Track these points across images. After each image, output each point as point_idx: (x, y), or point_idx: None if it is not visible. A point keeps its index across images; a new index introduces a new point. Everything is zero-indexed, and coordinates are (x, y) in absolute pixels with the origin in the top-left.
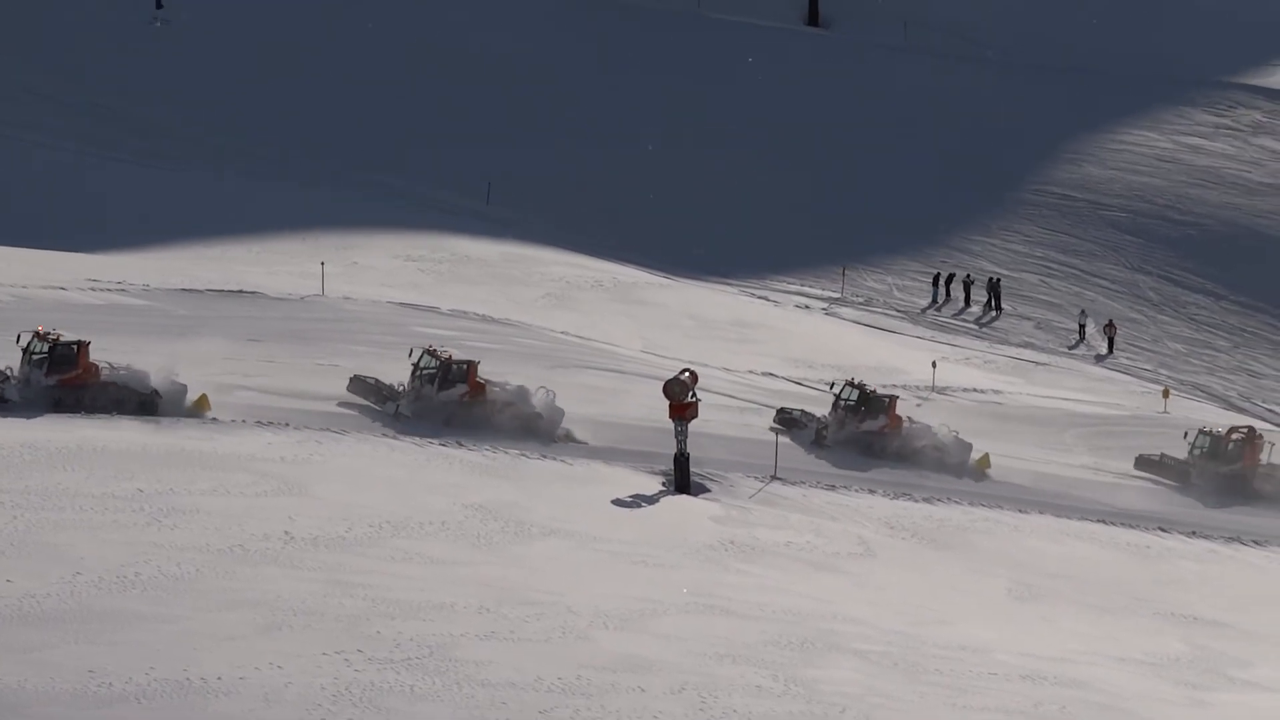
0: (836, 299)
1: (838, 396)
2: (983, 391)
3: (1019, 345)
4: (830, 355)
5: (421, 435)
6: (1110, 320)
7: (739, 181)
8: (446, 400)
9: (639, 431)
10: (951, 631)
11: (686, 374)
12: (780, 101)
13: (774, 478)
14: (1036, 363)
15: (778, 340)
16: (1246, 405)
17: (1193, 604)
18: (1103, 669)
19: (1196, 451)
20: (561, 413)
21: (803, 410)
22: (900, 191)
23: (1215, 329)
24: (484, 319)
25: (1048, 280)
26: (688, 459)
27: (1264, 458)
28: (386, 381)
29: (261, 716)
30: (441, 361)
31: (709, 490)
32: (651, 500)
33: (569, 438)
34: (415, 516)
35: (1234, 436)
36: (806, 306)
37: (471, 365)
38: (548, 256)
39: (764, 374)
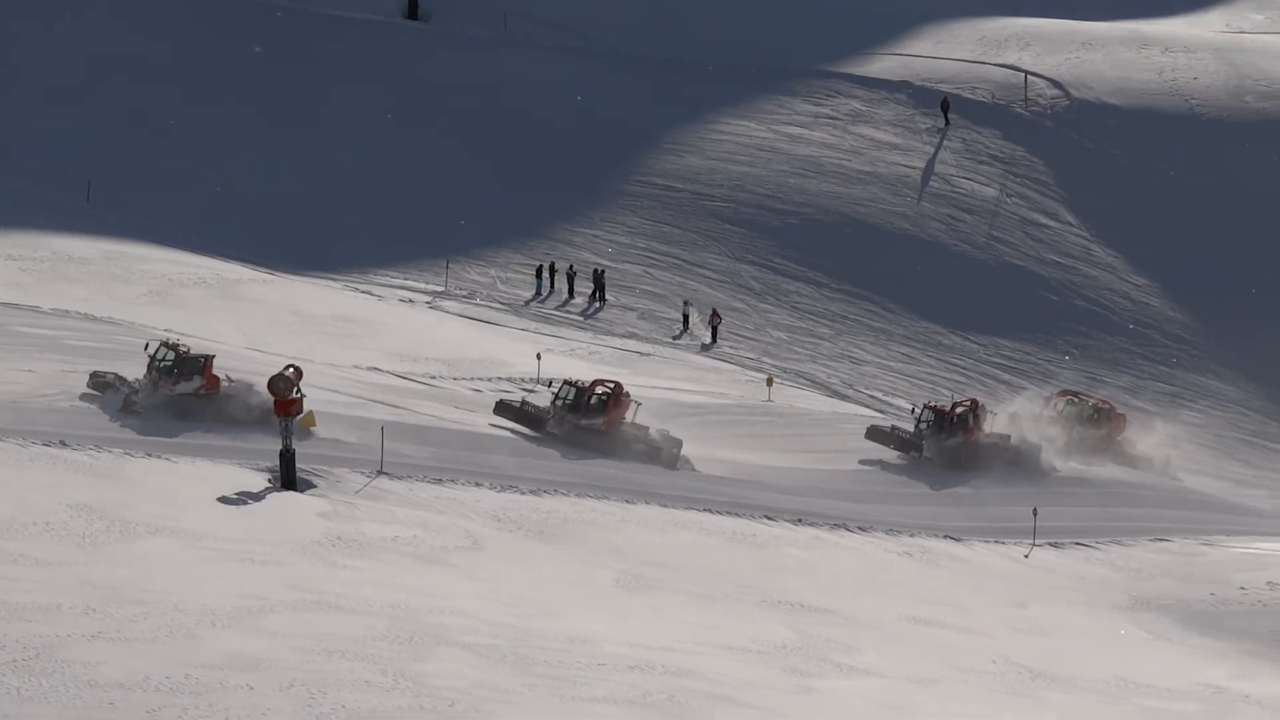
0: (440, 292)
1: (152, 358)
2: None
3: (623, 336)
4: (434, 349)
5: (23, 435)
6: (714, 310)
7: (339, 175)
8: None
9: (243, 428)
10: (560, 623)
11: (290, 370)
12: (381, 95)
13: (380, 472)
14: (641, 353)
15: (381, 335)
16: (849, 392)
17: (798, 591)
18: (710, 657)
19: (559, 402)
20: None
21: (116, 374)
22: (503, 183)
23: (817, 317)
24: (85, 317)
25: (651, 271)
26: (293, 455)
27: (629, 416)
28: None
29: None
30: None
31: (315, 486)
32: (258, 497)
33: None
34: (18, 517)
35: (598, 390)
36: (410, 300)
37: None
38: (150, 254)
39: (369, 369)
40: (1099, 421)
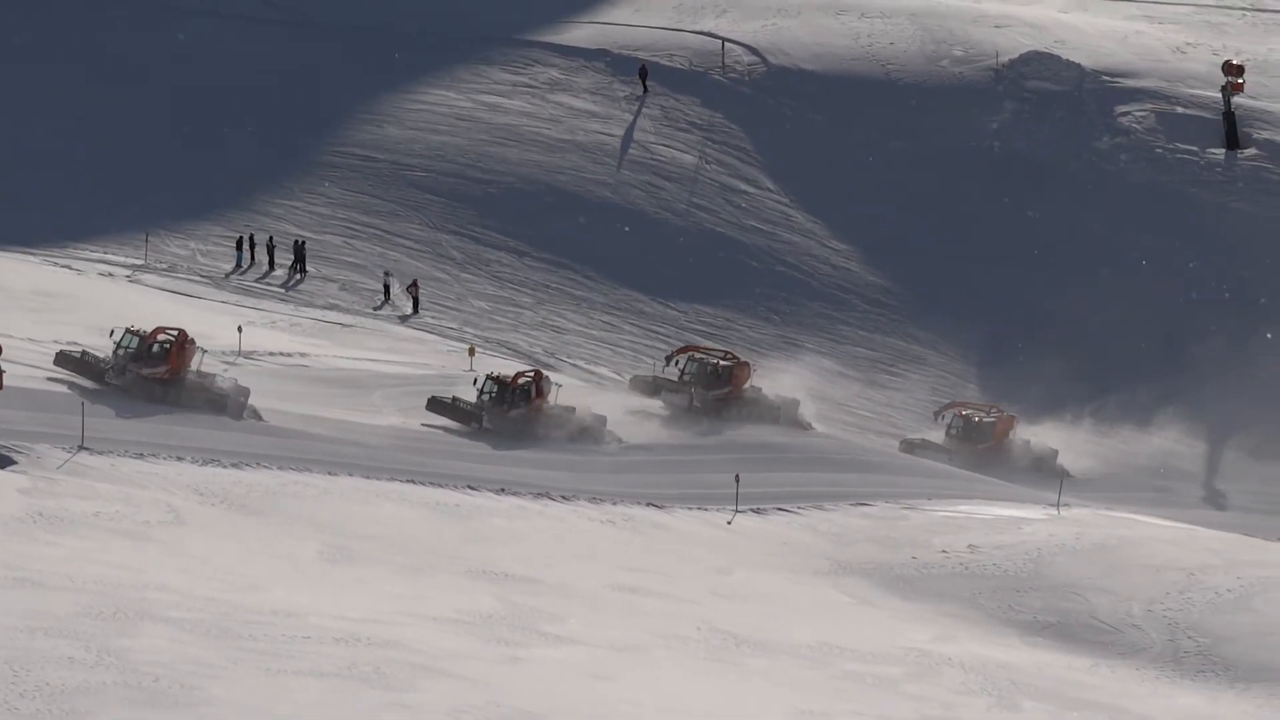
0: (140, 266)
1: None
2: (289, 355)
3: (324, 307)
4: (135, 323)
5: None
6: (414, 280)
7: (35, 149)
8: None
9: None
10: (264, 596)
11: None
12: (78, 67)
13: (81, 448)
14: (342, 324)
15: (81, 309)
16: (552, 360)
17: (503, 560)
18: (416, 629)
19: (121, 351)
20: None
21: None
22: (201, 155)
23: (519, 286)
24: None
25: (351, 241)
26: None
27: (195, 365)
28: None
29: None
30: None
31: (15, 462)
32: None
33: None
34: None
35: (160, 338)
36: (110, 274)
37: None
38: None
39: (68, 343)
40: (724, 376)
